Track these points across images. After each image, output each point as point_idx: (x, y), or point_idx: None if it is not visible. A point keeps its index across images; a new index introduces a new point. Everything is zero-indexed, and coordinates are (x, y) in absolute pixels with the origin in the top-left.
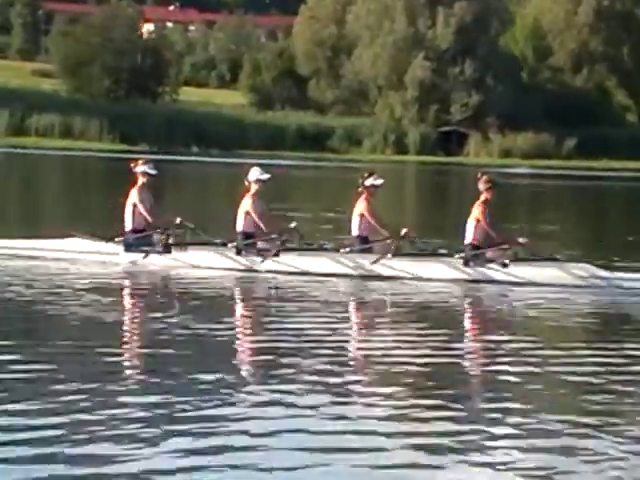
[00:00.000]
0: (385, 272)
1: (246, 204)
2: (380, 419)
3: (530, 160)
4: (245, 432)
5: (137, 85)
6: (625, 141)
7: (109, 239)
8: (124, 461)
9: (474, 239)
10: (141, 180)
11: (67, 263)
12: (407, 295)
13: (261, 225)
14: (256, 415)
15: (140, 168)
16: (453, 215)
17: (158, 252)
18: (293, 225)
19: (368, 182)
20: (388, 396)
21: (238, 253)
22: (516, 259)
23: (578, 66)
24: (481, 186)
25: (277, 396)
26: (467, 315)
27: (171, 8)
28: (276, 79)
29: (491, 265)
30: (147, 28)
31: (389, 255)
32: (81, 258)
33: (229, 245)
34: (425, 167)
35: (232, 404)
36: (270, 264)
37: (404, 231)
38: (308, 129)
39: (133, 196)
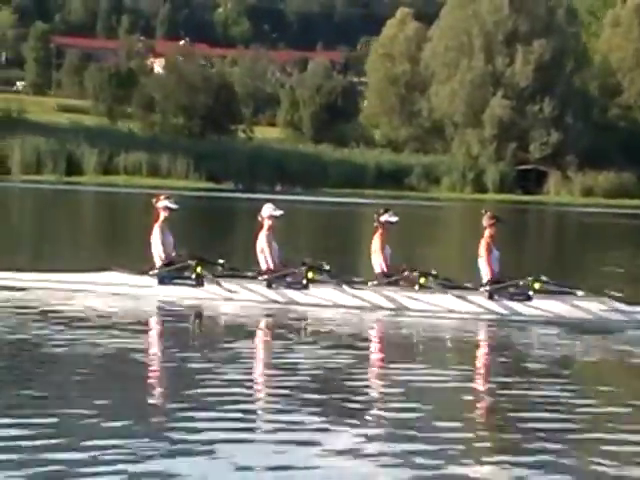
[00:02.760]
0: (413, 305)
1: (261, 241)
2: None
3: (612, 199)
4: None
5: (211, 122)
6: None
7: (143, 272)
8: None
9: (491, 273)
10: (163, 215)
11: (102, 296)
12: (435, 329)
13: (269, 261)
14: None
15: (162, 203)
16: (533, 254)
17: (191, 285)
18: (325, 266)
19: (383, 218)
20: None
21: (269, 286)
22: (539, 291)
23: None
24: (485, 222)
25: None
26: (488, 351)
27: (181, 43)
28: (314, 115)
29: (515, 298)
30: (159, 62)
31: (416, 288)
32: (116, 291)
33: (260, 278)
34: (505, 206)
35: (250, 430)
36: (301, 296)
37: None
38: (386, 167)
39: (155, 232)
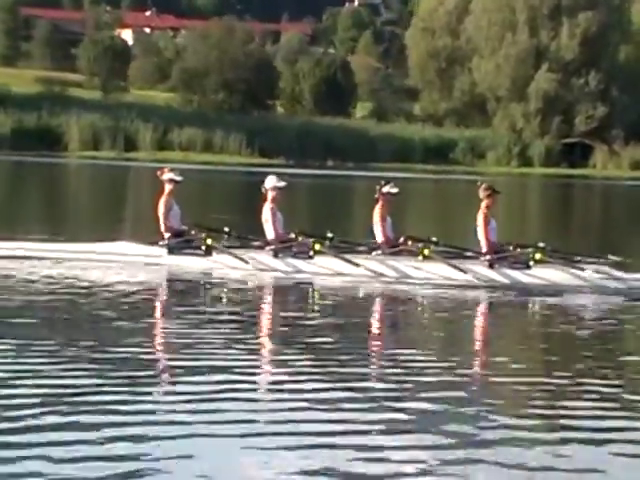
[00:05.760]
0: (416, 274)
1: (266, 213)
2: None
3: None
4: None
5: (251, 98)
6: None
7: (153, 242)
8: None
9: (488, 244)
10: (168, 187)
11: (114, 265)
12: (435, 298)
13: (275, 230)
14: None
15: (167, 176)
16: (588, 228)
17: (200, 255)
18: (329, 235)
19: (385, 189)
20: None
21: (275, 256)
22: (539, 260)
23: None
24: (481, 194)
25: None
26: (487, 321)
27: (148, 14)
28: (313, 88)
29: (515, 267)
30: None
31: (419, 258)
32: (127, 260)
33: (266, 248)
34: (552, 180)
35: (255, 402)
36: (306, 266)
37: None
38: (431, 141)
39: (162, 204)
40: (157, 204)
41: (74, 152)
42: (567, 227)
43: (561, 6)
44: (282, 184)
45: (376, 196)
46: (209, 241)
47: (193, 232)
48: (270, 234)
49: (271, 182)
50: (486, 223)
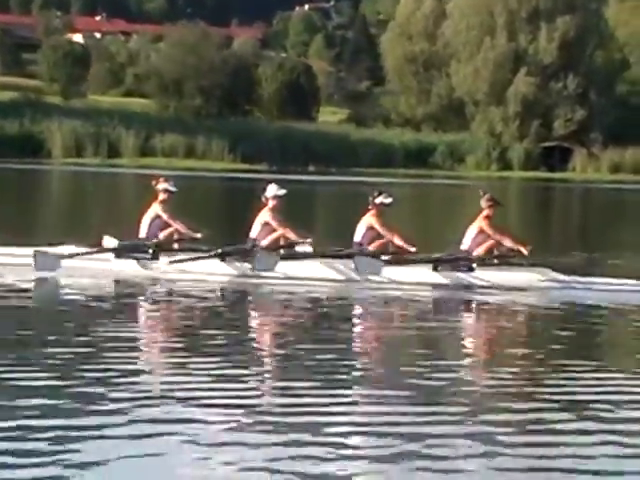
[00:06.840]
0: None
1: (265, 216)
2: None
3: None
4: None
5: (228, 104)
6: None
7: (100, 247)
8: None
9: (471, 248)
10: (162, 197)
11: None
12: (379, 298)
13: (285, 233)
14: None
15: (162, 185)
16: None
17: (147, 259)
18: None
19: (378, 200)
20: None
21: (222, 260)
22: (482, 264)
23: None
24: (483, 203)
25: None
26: (432, 319)
27: (98, 18)
28: (276, 92)
29: (459, 269)
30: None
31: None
32: (73, 265)
33: (212, 252)
34: (532, 183)
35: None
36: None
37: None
38: (411, 146)
39: (156, 209)
40: (144, 210)
41: (57, 159)
42: (545, 230)
43: (539, 10)
44: (282, 192)
45: (369, 207)
46: (156, 246)
47: (151, 241)
48: (256, 234)
49: (272, 191)
50: (491, 229)
